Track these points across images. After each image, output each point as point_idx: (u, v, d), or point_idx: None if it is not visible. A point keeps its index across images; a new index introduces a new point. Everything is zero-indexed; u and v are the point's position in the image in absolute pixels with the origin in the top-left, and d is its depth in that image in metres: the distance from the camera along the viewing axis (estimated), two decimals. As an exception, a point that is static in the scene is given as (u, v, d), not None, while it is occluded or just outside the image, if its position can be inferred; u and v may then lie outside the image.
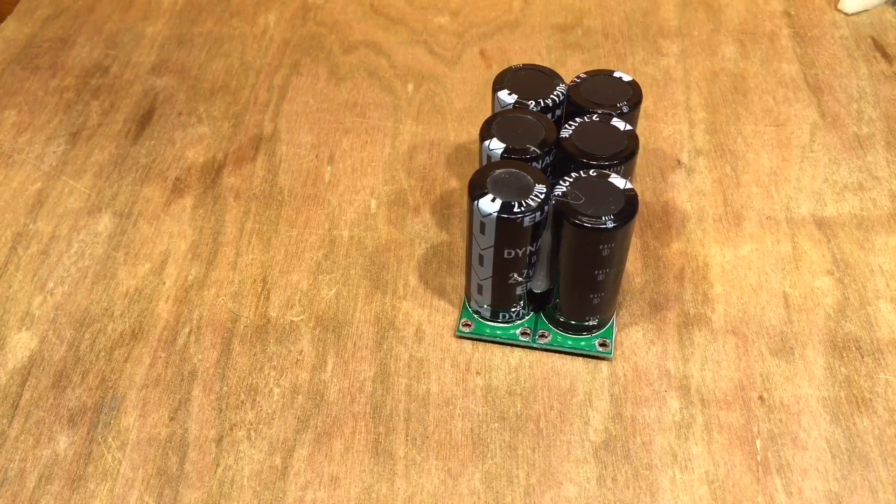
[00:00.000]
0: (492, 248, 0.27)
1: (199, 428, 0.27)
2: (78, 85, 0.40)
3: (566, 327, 0.29)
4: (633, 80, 0.30)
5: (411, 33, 0.42)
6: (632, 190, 0.26)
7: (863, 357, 0.29)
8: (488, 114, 0.37)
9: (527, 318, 0.29)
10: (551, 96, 0.30)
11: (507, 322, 0.29)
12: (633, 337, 0.29)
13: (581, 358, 0.29)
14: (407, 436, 0.27)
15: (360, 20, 0.43)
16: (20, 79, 0.40)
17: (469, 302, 0.30)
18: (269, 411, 0.28)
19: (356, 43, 0.42)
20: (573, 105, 0.30)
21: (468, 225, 0.27)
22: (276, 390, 0.28)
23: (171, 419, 0.27)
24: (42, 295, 0.31)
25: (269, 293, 0.31)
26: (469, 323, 0.29)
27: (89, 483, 0.26)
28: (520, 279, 0.28)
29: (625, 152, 0.28)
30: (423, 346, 0.29)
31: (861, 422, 0.27)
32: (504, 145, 0.28)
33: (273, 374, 0.29)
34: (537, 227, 0.26)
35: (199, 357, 0.29)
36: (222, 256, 0.32)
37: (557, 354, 0.29)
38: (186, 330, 0.30)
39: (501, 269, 0.27)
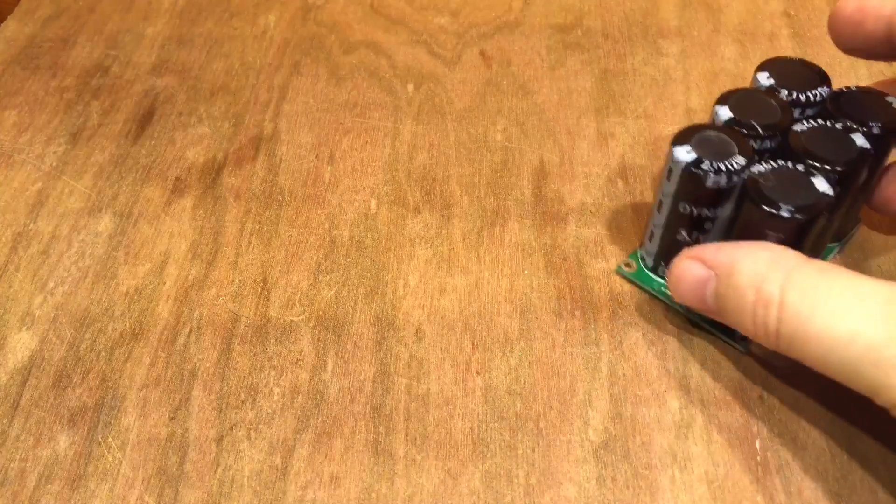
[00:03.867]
0: (671, 197, 0.27)
1: (199, 428, 0.27)
2: (78, 85, 0.40)
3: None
4: None
5: (411, 33, 0.42)
6: (830, 196, 0.25)
7: (862, 357, 0.29)
8: (488, 114, 0.37)
9: None
10: (808, 93, 0.29)
11: (664, 277, 0.30)
12: (632, 337, 0.29)
13: (581, 358, 0.29)
14: (407, 436, 0.27)
15: (360, 20, 0.43)
16: (20, 79, 0.40)
17: (641, 247, 0.31)
18: (269, 411, 0.28)
19: (356, 43, 0.42)
20: (826, 112, 0.29)
21: (663, 169, 0.28)
22: (276, 390, 0.28)
23: (172, 419, 0.27)
24: (42, 295, 0.31)
25: (269, 293, 0.31)
26: (631, 264, 0.30)
27: (89, 483, 0.26)
28: (687, 238, 0.28)
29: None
30: (423, 346, 0.29)
31: (861, 422, 0.27)
32: (732, 115, 0.28)
33: (273, 373, 0.29)
34: (720, 194, 0.26)
35: (200, 357, 0.29)
36: (222, 256, 0.32)
37: (557, 354, 0.29)
38: (186, 330, 0.30)
39: (673, 222, 0.28)
